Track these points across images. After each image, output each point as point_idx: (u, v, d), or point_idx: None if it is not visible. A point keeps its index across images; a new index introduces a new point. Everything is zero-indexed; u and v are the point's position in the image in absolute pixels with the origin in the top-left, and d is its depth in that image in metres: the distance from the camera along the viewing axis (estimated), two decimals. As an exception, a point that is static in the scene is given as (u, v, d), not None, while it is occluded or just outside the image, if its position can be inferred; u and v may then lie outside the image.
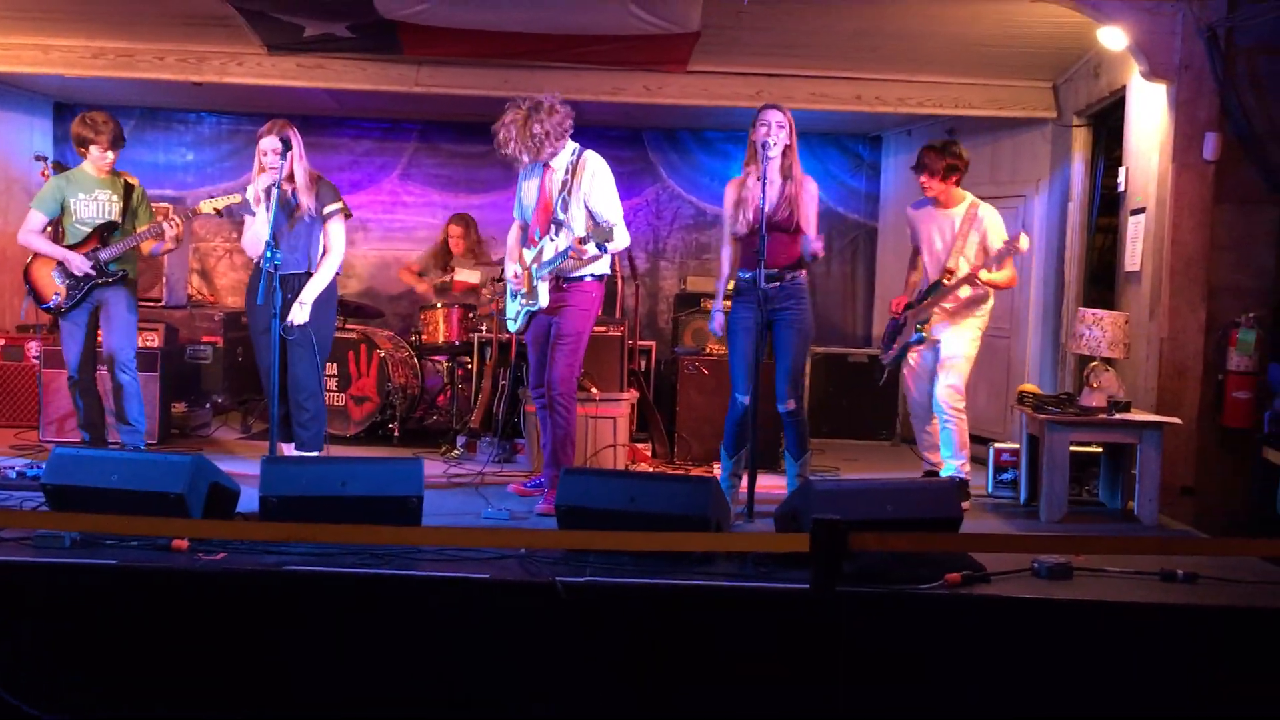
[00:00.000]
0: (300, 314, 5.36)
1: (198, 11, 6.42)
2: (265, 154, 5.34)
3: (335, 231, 5.54)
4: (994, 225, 5.68)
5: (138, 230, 5.81)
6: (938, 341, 5.68)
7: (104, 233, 5.78)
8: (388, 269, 8.98)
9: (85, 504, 4.20)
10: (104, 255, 5.74)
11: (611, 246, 5.16)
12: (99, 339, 5.90)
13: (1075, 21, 5.94)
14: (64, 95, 8.48)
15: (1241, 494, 5.77)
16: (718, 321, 5.43)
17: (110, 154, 5.80)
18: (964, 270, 5.61)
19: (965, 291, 5.64)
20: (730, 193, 5.33)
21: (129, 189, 5.91)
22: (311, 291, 5.41)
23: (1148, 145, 5.98)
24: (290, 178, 5.39)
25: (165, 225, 5.77)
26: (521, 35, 6.64)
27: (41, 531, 4.05)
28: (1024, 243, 5.53)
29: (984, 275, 5.57)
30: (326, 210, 5.50)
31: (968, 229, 5.66)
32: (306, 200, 5.42)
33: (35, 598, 3.78)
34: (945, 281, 5.66)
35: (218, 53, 7.17)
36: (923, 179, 5.73)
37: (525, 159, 5.18)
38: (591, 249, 5.05)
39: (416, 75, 7.29)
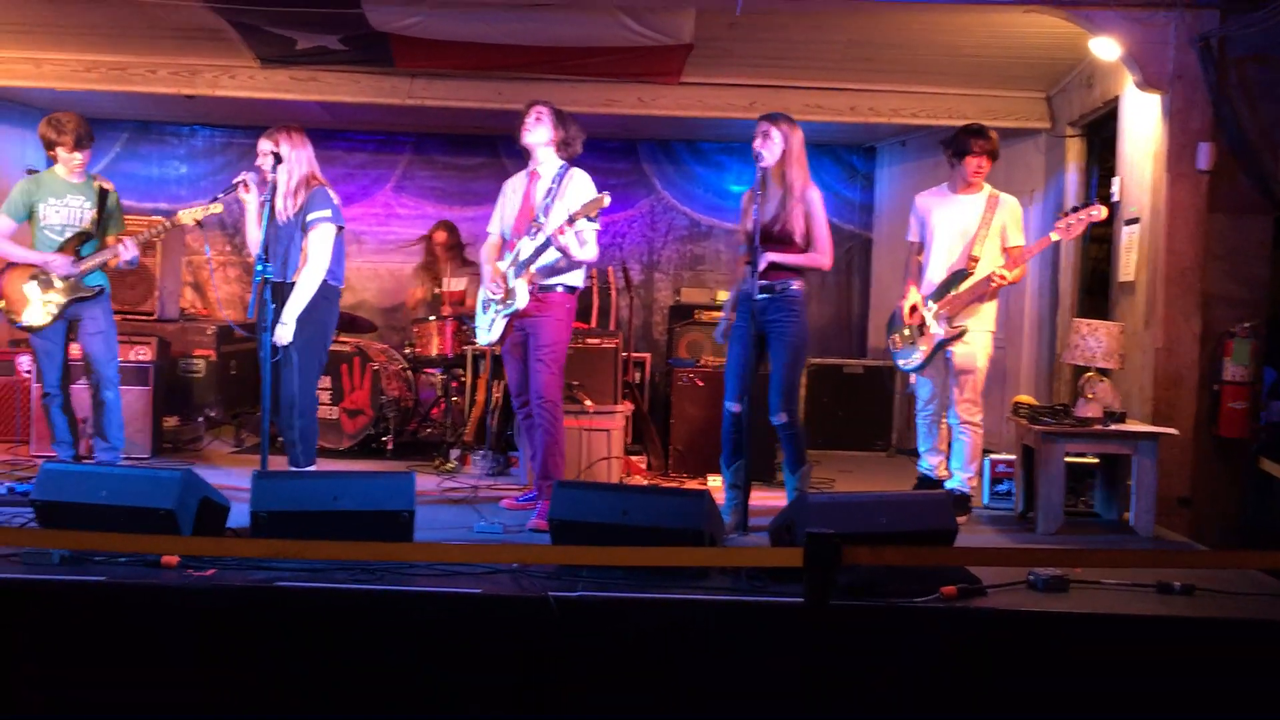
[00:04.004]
0: (283, 333, 5.15)
1: (190, 24, 6.42)
2: (258, 157, 5.21)
3: (315, 241, 5.25)
4: (1015, 216, 5.53)
5: (108, 238, 5.63)
6: (964, 333, 5.47)
7: (77, 245, 5.59)
8: (381, 281, 8.97)
9: (74, 519, 4.16)
10: (79, 269, 5.55)
11: (584, 254, 5.21)
12: (75, 354, 5.75)
13: (1068, 32, 5.94)
14: (56, 108, 8.38)
15: (1238, 505, 5.76)
16: (720, 328, 5.43)
17: (77, 155, 5.60)
18: (990, 259, 5.42)
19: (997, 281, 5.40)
20: (742, 202, 5.36)
21: (103, 194, 5.70)
22: (292, 310, 5.18)
23: (1141, 155, 5.97)
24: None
25: (119, 248, 5.54)
26: (514, 48, 6.65)
27: (30, 548, 4.02)
28: (1102, 212, 5.36)
29: (1007, 275, 5.37)
30: (309, 218, 5.27)
31: (991, 216, 5.47)
32: (285, 204, 5.24)
33: (24, 615, 3.75)
34: (971, 271, 5.45)
35: (210, 66, 7.18)
36: (984, 162, 5.48)
37: (529, 137, 5.33)
38: (581, 225, 5.07)
39: (410, 87, 7.29)
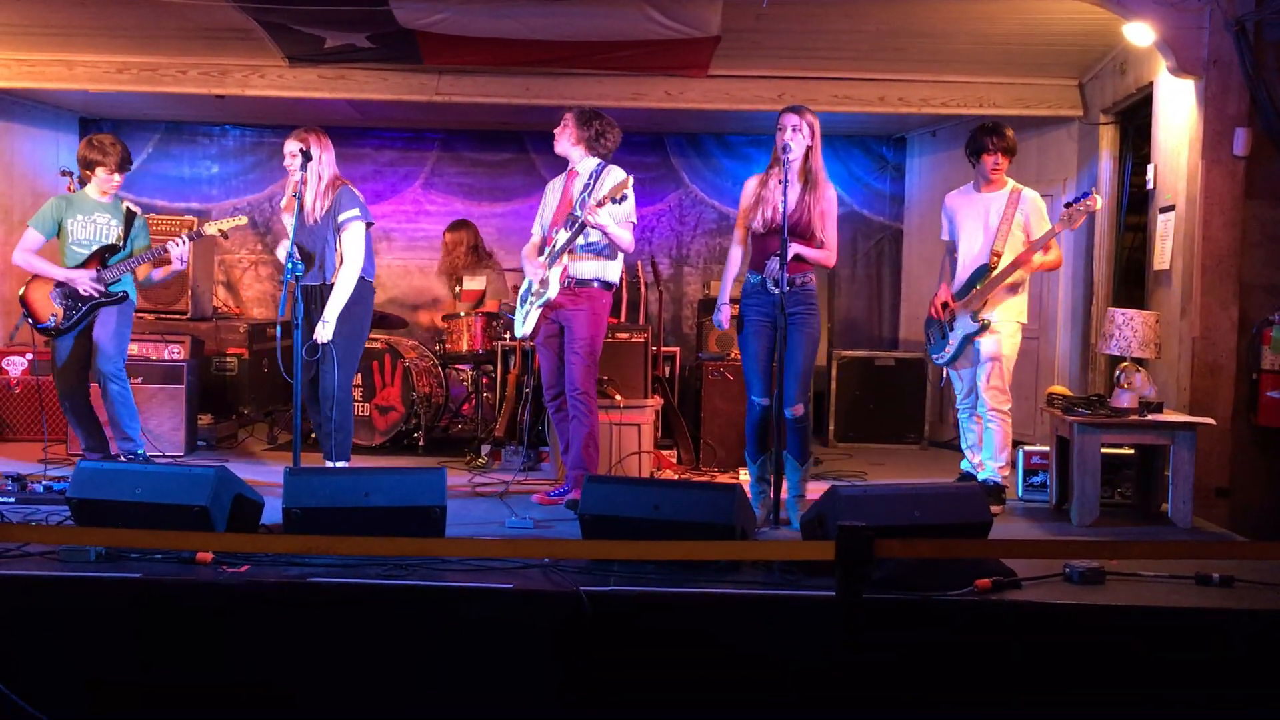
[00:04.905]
0: (324, 332, 5.25)
1: (219, 25, 6.46)
2: (286, 158, 5.33)
3: (349, 240, 5.36)
4: (1037, 209, 5.53)
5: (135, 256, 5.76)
6: (987, 326, 5.47)
7: (104, 255, 5.72)
8: (411, 278, 9.00)
9: (110, 517, 4.20)
10: (106, 276, 5.69)
11: (621, 237, 5.31)
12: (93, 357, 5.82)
13: (1101, 18, 5.87)
14: (89, 110, 8.55)
15: (1277, 495, 5.68)
16: (724, 315, 5.31)
17: (117, 176, 5.75)
18: (1013, 254, 5.43)
19: (1017, 275, 5.45)
20: (748, 188, 5.26)
21: (130, 215, 5.84)
22: (333, 309, 5.28)
23: (1176, 142, 5.90)
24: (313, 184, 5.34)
25: (170, 245, 5.66)
26: (541, 43, 6.64)
27: (67, 546, 4.06)
28: (1098, 203, 5.37)
29: (1037, 259, 5.41)
30: (340, 218, 5.36)
31: (1012, 212, 5.48)
32: (315, 205, 5.32)
33: (61, 612, 3.79)
34: (993, 266, 5.47)
35: (239, 65, 7.21)
36: (999, 159, 5.51)
37: (558, 148, 5.48)
38: (611, 207, 5.15)
39: (437, 84, 7.30)
